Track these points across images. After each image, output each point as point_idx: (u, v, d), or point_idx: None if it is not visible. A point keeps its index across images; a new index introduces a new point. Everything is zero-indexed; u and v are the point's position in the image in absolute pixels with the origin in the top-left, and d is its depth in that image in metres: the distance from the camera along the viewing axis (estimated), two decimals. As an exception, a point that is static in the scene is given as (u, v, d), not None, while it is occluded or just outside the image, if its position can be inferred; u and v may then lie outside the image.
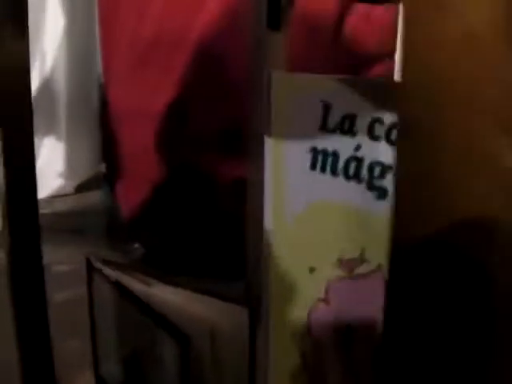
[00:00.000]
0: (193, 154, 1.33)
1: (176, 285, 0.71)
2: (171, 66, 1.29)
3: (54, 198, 1.77)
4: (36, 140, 1.83)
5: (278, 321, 0.66)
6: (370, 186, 0.57)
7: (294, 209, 0.62)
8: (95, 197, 1.70)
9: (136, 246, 1.45)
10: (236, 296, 0.72)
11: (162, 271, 1.37)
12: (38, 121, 1.85)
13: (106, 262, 0.76)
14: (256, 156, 0.69)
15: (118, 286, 0.72)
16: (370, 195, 0.57)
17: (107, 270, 0.74)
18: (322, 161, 0.59)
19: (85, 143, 1.76)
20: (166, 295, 0.69)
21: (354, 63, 1.06)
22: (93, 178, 1.76)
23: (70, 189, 1.80)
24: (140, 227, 1.41)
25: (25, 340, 0.71)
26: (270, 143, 0.63)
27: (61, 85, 1.75)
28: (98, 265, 0.75)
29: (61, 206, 1.74)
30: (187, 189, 1.36)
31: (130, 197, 1.38)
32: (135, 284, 0.71)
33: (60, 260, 1.43)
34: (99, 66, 1.48)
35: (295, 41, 0.77)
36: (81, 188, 1.81)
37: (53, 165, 1.79)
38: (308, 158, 0.60)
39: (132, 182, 1.37)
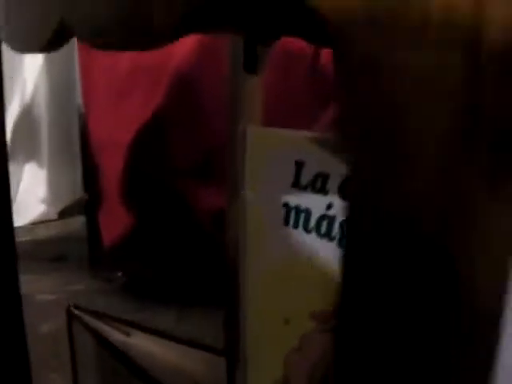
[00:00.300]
0: (173, 183, 1.34)
1: (154, 333, 0.72)
2: (149, 97, 1.30)
3: (36, 224, 1.77)
4: (18, 166, 1.83)
5: (256, 370, 0.67)
6: (342, 244, 0.59)
7: (269, 262, 0.63)
8: (78, 222, 1.71)
9: (119, 274, 1.46)
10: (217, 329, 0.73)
11: (144, 298, 1.38)
12: (19, 147, 1.85)
13: (86, 311, 0.77)
14: (231, 204, 0.71)
15: (97, 337, 0.73)
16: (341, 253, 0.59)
17: (87, 319, 0.75)
18: (295, 217, 0.61)
19: (67, 169, 1.77)
20: (145, 344, 0.70)
21: (327, 92, 1.08)
22: (76, 204, 1.76)
23: (53, 214, 1.80)
24: (121, 256, 1.42)
25: (3, 373, 0.71)
26: (246, 197, 0.64)
27: (42, 112, 1.75)
28: (79, 313, 0.76)
29: (43, 233, 1.74)
30: (168, 217, 1.37)
31: (111, 226, 1.39)
32: (114, 334, 0.72)
33: (43, 289, 1.43)
34: (79, 96, 1.49)
35: (271, 76, 0.78)
36: (64, 213, 1.81)
37: (35, 191, 1.79)
38: (281, 213, 0.61)
39: (112, 212, 1.38)
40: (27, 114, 1.76)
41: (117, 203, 1.37)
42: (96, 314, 0.76)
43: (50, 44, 0.48)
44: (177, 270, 1.39)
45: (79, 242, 1.60)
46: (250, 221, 0.64)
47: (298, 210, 0.61)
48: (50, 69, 1.69)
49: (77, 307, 0.79)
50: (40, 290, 1.42)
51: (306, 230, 0.60)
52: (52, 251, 1.63)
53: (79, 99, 1.48)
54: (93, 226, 1.50)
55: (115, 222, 1.38)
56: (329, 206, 0.59)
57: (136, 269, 1.45)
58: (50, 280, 1.48)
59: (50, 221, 1.79)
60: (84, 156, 1.50)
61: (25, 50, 0.53)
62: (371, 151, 0.23)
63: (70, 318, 0.78)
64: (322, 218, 0.60)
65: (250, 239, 0.64)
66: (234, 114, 0.74)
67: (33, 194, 1.79)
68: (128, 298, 1.38)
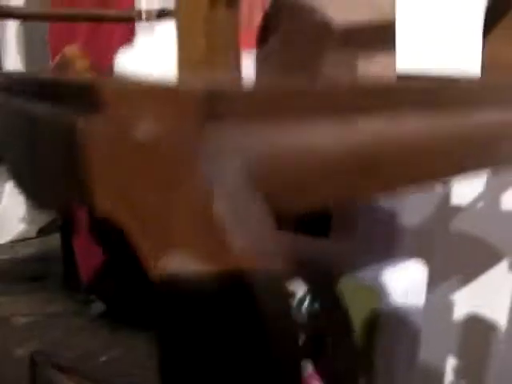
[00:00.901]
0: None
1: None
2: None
3: (16, 242, 1.83)
4: (-2, 186, 1.85)
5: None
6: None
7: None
8: (57, 240, 1.75)
9: (94, 298, 1.52)
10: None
11: (119, 322, 1.43)
12: (0, 168, 1.89)
13: (48, 360, 0.83)
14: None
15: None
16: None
17: (49, 371, 0.81)
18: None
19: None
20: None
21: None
22: (53, 221, 1.82)
23: (33, 233, 1.86)
24: (97, 282, 1.48)
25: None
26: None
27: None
28: (41, 365, 0.82)
29: (23, 251, 1.79)
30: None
31: (86, 259, 1.45)
32: (72, 386, 0.78)
33: (21, 311, 1.48)
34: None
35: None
36: (43, 231, 1.86)
37: (15, 210, 1.85)
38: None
39: (85, 243, 1.43)
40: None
41: (88, 234, 1.43)
42: (58, 366, 0.82)
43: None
44: (149, 294, 1.44)
45: (57, 259, 1.65)
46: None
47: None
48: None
49: (40, 353, 0.85)
50: (18, 311, 1.47)
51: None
52: (31, 269, 1.68)
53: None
54: (68, 249, 1.55)
55: (89, 254, 1.43)
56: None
57: (111, 293, 1.50)
58: (27, 301, 1.53)
59: (29, 238, 1.84)
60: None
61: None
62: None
63: (33, 365, 0.84)
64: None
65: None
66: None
67: (13, 213, 1.84)
68: (103, 321, 1.44)
